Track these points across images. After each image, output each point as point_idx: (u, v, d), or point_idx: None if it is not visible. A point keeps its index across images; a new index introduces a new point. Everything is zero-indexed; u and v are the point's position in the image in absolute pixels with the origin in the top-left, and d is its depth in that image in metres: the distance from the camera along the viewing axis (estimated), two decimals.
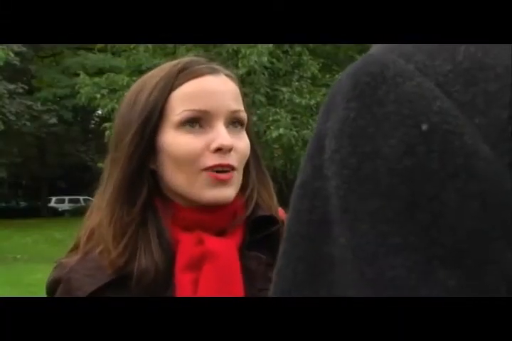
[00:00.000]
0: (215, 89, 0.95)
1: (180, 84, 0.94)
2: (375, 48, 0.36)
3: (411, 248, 0.29)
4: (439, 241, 0.29)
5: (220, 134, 0.92)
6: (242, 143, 0.96)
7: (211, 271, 0.92)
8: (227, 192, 0.93)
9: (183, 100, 0.93)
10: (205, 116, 0.93)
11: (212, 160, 0.92)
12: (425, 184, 0.30)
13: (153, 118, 0.94)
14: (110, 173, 0.97)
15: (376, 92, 0.32)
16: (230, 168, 0.93)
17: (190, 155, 0.92)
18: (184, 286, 0.91)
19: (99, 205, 0.97)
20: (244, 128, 0.98)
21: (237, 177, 0.94)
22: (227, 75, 0.98)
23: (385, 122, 0.31)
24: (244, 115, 0.97)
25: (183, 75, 0.95)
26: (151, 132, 0.94)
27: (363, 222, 0.31)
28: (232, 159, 0.93)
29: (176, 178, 0.94)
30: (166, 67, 0.97)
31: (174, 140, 0.93)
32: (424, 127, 0.30)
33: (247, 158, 0.97)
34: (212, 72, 0.96)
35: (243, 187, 0.98)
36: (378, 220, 0.30)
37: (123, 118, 0.97)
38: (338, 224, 0.32)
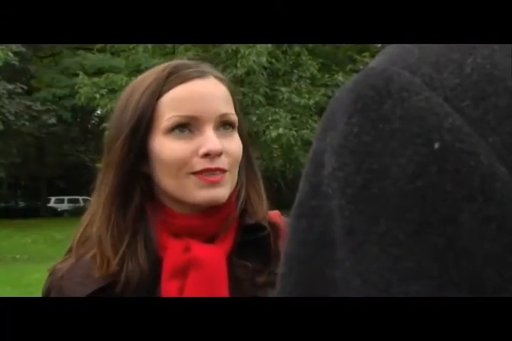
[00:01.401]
0: (204, 93, 0.94)
1: (168, 89, 0.94)
2: (376, 61, 0.34)
3: (425, 273, 0.28)
4: (455, 266, 0.27)
5: (209, 139, 0.92)
6: (233, 145, 0.95)
7: (197, 278, 0.92)
8: (220, 192, 0.92)
9: (171, 106, 0.93)
10: (193, 122, 0.93)
11: (200, 164, 0.91)
12: (438, 206, 0.28)
13: (142, 124, 0.94)
14: (104, 178, 0.97)
15: (381, 107, 0.30)
16: (220, 171, 0.92)
17: (179, 160, 0.92)
18: (169, 294, 0.91)
19: (94, 209, 0.97)
20: (236, 129, 0.97)
21: (229, 179, 0.94)
22: (217, 78, 0.97)
23: (393, 139, 0.29)
24: (234, 117, 0.96)
25: (170, 80, 0.94)
26: (141, 138, 0.94)
27: (372, 245, 0.29)
28: (221, 162, 0.92)
29: (166, 183, 0.94)
30: (155, 71, 0.97)
31: (163, 146, 0.93)
32: (436, 146, 0.28)
33: (239, 159, 0.96)
34: (201, 75, 0.95)
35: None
36: (389, 244, 0.28)
37: (115, 124, 0.97)
38: (342, 246, 0.30)
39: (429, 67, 0.31)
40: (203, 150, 0.91)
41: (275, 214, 1.03)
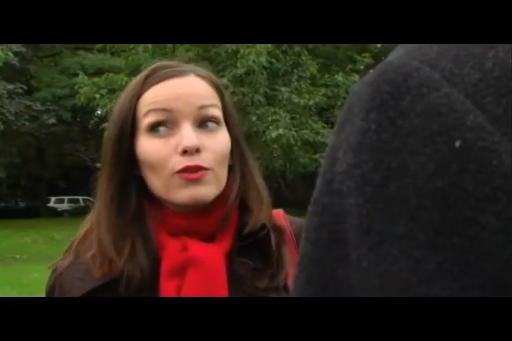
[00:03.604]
0: (180, 90, 0.94)
1: (146, 90, 0.95)
2: (394, 55, 0.33)
3: (447, 276, 0.27)
4: (477, 268, 0.26)
5: (185, 136, 0.91)
6: (214, 141, 0.94)
7: (195, 277, 0.92)
8: (202, 191, 0.91)
9: (148, 103, 0.94)
10: (170, 118, 0.93)
11: (180, 163, 0.91)
12: (460, 206, 0.27)
13: (127, 128, 0.95)
14: (100, 181, 0.98)
15: (399, 103, 0.29)
16: (200, 169, 0.91)
17: (159, 159, 0.92)
18: (168, 293, 0.91)
19: (96, 211, 0.98)
20: (223, 125, 0.97)
21: (213, 177, 0.93)
22: (198, 75, 0.97)
23: (412, 137, 0.28)
24: (216, 111, 0.95)
25: (148, 81, 0.95)
26: (127, 141, 0.95)
27: (391, 245, 0.28)
28: (200, 159, 0.91)
29: (154, 183, 0.94)
30: (137, 77, 0.99)
31: (145, 146, 0.94)
32: (457, 144, 0.27)
33: (224, 156, 0.95)
34: (178, 74, 0.95)
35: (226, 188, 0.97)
36: (409, 245, 0.28)
37: (106, 134, 0.99)
38: (358, 246, 0.29)
39: (449, 61, 0.30)
40: (180, 148, 0.91)
41: (279, 213, 1.03)
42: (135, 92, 0.95)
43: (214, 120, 0.95)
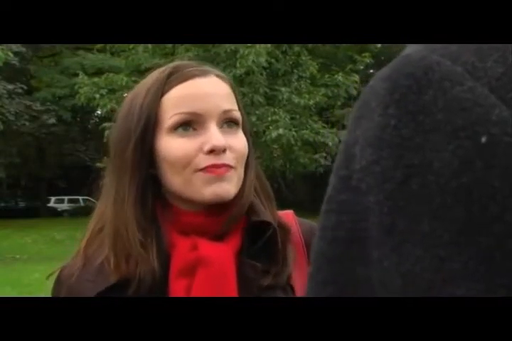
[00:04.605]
0: (205, 90, 0.94)
1: (170, 88, 0.94)
2: (412, 48, 0.32)
3: (472, 275, 0.26)
4: (504, 267, 0.26)
5: (213, 135, 0.92)
6: (237, 141, 0.95)
7: (204, 277, 0.92)
8: (226, 187, 0.92)
9: (174, 104, 0.94)
10: (197, 119, 0.93)
11: (206, 161, 0.92)
12: (485, 203, 0.26)
13: (150, 125, 0.94)
14: (118, 182, 0.96)
15: (420, 98, 0.28)
16: (226, 167, 0.92)
17: (184, 158, 0.92)
18: (177, 293, 0.91)
19: (108, 213, 0.97)
20: (241, 127, 0.98)
21: (235, 175, 0.94)
22: (218, 76, 0.97)
23: (435, 133, 0.28)
24: (238, 114, 0.97)
25: (172, 79, 0.95)
26: (152, 139, 0.95)
27: (415, 245, 0.27)
28: (227, 159, 0.92)
29: (173, 181, 0.94)
30: (155, 74, 0.98)
31: (168, 144, 0.94)
32: (483, 139, 0.27)
33: (245, 156, 0.96)
34: (201, 74, 0.96)
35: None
36: (433, 244, 0.27)
37: (121, 129, 0.98)
38: (379, 246, 0.28)
39: (471, 55, 0.29)
40: (207, 147, 0.92)
41: (288, 214, 1.03)
42: (157, 90, 0.95)
43: (236, 122, 0.97)
